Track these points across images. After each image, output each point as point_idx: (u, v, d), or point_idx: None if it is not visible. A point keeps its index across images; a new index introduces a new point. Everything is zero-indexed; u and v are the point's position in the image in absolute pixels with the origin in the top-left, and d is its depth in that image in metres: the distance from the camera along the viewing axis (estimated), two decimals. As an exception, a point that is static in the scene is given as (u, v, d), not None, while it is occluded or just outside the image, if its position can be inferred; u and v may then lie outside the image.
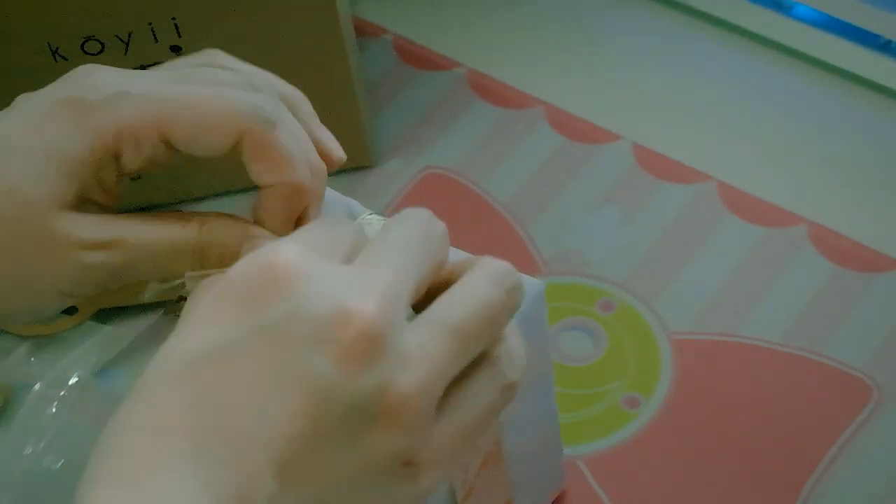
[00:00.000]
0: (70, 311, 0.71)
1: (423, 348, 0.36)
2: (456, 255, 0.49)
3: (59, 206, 0.42)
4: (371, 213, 0.51)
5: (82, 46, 0.66)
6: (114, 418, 0.35)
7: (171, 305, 0.48)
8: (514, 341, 0.39)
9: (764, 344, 0.67)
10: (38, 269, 0.42)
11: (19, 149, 0.42)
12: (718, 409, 0.65)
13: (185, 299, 0.47)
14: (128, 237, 0.43)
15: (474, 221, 0.73)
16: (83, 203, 0.43)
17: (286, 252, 0.36)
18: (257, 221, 0.45)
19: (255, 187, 0.45)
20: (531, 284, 0.49)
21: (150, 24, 0.66)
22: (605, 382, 0.67)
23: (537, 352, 0.51)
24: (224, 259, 0.44)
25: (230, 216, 0.45)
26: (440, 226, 0.40)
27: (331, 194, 0.51)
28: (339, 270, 0.36)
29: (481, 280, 0.38)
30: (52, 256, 0.42)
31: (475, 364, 0.38)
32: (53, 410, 0.66)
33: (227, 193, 0.74)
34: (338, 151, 0.47)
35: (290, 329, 0.34)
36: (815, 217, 0.72)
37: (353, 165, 0.76)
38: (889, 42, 0.77)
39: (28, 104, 0.43)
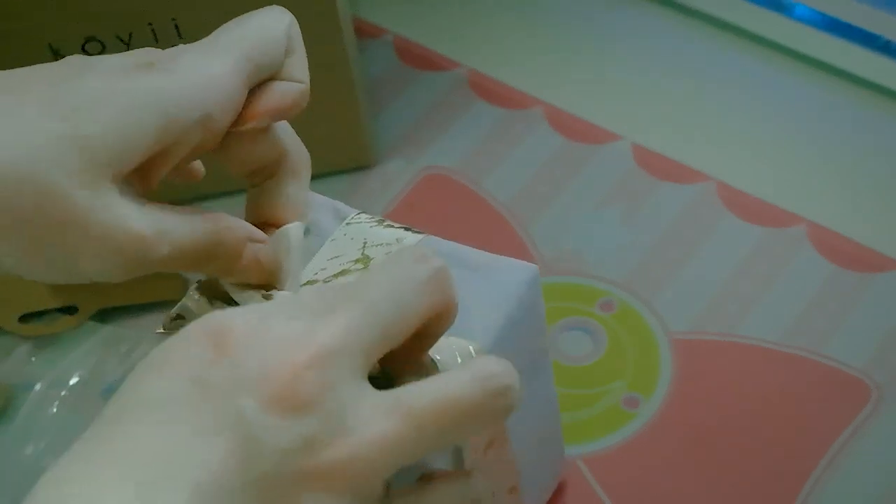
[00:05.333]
0: (70, 310, 0.71)
1: (373, 423, 0.35)
2: (457, 251, 0.50)
3: (91, 185, 0.40)
4: (359, 213, 0.51)
5: (83, 47, 0.67)
6: (77, 446, 0.35)
7: (169, 324, 0.48)
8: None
9: (763, 344, 0.67)
10: (74, 253, 0.40)
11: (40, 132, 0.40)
12: (718, 409, 0.65)
13: (183, 318, 0.47)
14: (166, 223, 0.42)
15: (474, 221, 0.73)
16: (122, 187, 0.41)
17: (233, 316, 0.36)
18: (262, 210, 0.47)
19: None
20: (525, 269, 0.49)
21: (150, 24, 0.66)
22: (605, 382, 0.67)
23: (533, 335, 0.51)
24: (229, 259, 0.44)
25: (233, 217, 0.45)
26: (428, 267, 0.38)
27: (317, 198, 0.51)
28: (284, 326, 0.36)
29: (464, 376, 0.37)
30: (87, 238, 0.40)
31: (447, 475, 0.38)
32: (54, 410, 0.66)
33: (226, 194, 0.74)
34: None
35: (225, 380, 0.35)
36: (815, 217, 0.72)
37: (353, 165, 0.76)
38: (889, 42, 0.77)
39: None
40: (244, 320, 0.36)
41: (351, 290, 0.37)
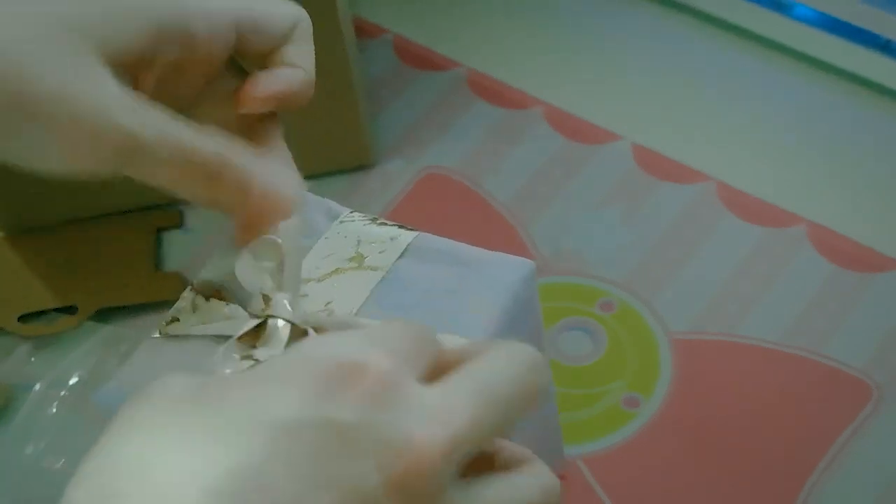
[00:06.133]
0: (70, 310, 0.71)
1: None
2: (452, 247, 0.50)
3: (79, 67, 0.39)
4: (352, 212, 0.51)
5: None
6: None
7: (164, 328, 0.48)
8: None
9: (763, 344, 0.67)
10: (52, 131, 0.39)
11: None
12: (718, 409, 0.65)
13: (178, 320, 0.47)
14: (165, 122, 0.41)
15: (474, 221, 0.73)
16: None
17: (379, 360, 0.35)
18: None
19: None
20: (522, 264, 0.50)
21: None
22: (604, 382, 0.67)
23: (530, 330, 0.52)
24: (236, 187, 0.43)
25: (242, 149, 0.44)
26: (542, 381, 0.39)
27: (309, 197, 0.51)
28: (422, 395, 0.35)
29: (532, 484, 0.39)
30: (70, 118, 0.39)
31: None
32: (54, 410, 0.67)
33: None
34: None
35: (356, 431, 0.34)
36: (815, 217, 0.72)
37: (353, 165, 0.76)
38: (889, 42, 0.77)
39: None
40: (379, 365, 0.35)
41: (479, 376, 0.37)
